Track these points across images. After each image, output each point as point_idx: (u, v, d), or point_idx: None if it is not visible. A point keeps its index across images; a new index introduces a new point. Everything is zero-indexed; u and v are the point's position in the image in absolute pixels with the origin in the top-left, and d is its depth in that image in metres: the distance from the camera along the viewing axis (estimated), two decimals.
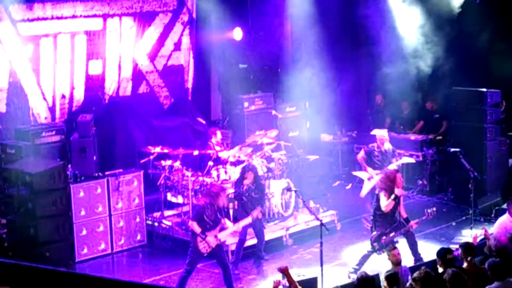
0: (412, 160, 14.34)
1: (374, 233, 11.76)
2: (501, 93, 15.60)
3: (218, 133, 14.76)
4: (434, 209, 12.30)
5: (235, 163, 14.12)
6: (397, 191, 11.66)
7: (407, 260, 11.11)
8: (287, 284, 9.15)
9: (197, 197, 13.39)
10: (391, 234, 11.60)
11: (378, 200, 11.80)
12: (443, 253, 9.31)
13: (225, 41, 17.47)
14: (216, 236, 11.09)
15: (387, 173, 12.08)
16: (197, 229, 11.02)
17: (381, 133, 14.08)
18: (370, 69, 17.74)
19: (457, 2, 16.16)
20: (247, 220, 12.09)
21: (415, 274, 8.66)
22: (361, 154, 14.02)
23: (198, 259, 11.25)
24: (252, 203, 12.57)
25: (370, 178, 13.69)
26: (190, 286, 11.46)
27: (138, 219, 13.78)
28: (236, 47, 17.50)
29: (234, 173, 13.82)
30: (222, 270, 11.41)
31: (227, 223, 11.46)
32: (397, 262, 9.95)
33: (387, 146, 13.96)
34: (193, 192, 13.77)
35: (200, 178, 13.87)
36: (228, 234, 11.57)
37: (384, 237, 11.56)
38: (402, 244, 11.53)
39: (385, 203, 11.59)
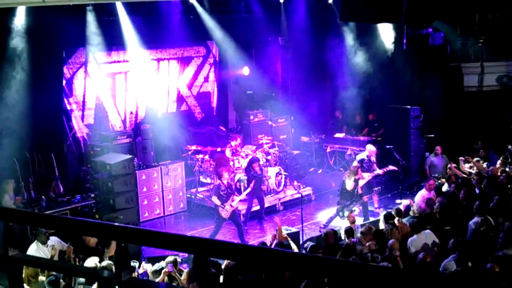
0: (395, 168, 13.17)
1: (340, 206, 11.70)
2: (420, 109, 15.57)
3: (239, 139, 14.69)
4: (377, 189, 12.34)
5: (244, 156, 14.11)
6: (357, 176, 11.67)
7: (359, 221, 11.08)
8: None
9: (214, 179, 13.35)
10: (351, 206, 11.54)
11: (344, 184, 11.72)
12: (387, 217, 9.32)
13: (238, 75, 17.44)
14: (231, 205, 11.08)
15: (351, 168, 11.99)
16: (218, 202, 11.02)
17: (372, 149, 13.27)
18: (332, 94, 17.70)
19: (389, 49, 16.10)
20: (245, 193, 11.99)
21: (362, 229, 8.67)
22: (355, 164, 12.69)
23: (222, 222, 11.23)
24: (258, 182, 12.55)
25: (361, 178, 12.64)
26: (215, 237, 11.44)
27: (181, 193, 13.76)
28: (245, 80, 17.47)
29: (244, 163, 13.80)
30: (236, 228, 11.40)
31: (236, 196, 11.45)
32: (352, 221, 9.93)
33: (373, 157, 13.56)
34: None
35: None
36: (239, 202, 11.53)
37: (346, 207, 11.51)
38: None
39: (350, 184, 11.58)
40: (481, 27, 15.66)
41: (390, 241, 7.72)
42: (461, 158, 12.64)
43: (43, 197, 11.72)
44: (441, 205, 9.26)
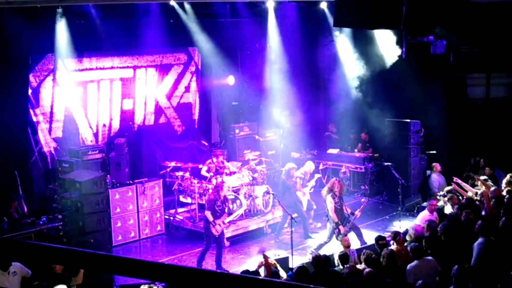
0: None
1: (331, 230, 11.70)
2: (421, 123, 15.67)
3: (221, 157, 14.70)
4: (364, 199, 12.36)
5: (229, 174, 14.11)
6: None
7: (355, 245, 11.07)
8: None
9: (207, 194, 13.28)
10: (344, 227, 11.53)
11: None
12: (377, 239, 9.34)
13: (222, 85, 17.47)
14: (223, 222, 11.16)
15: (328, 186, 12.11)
16: (210, 217, 11.11)
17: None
18: (325, 106, 17.82)
19: (387, 58, 16.18)
20: (236, 213, 12.13)
21: (362, 257, 8.64)
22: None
23: (212, 240, 11.24)
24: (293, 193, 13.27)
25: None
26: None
27: (158, 214, 13.69)
28: (230, 90, 17.50)
29: (229, 181, 13.80)
30: (216, 249, 11.42)
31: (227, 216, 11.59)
32: (347, 246, 9.91)
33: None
34: (198, 194, 13.71)
35: (204, 185, 13.82)
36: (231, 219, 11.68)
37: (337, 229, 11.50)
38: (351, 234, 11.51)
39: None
40: (486, 35, 15.84)
41: (366, 270, 7.73)
42: (455, 179, 12.56)
43: (4, 218, 11.59)
44: (444, 228, 9.28)
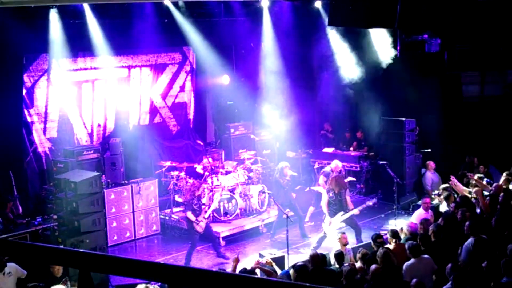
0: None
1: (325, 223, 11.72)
2: (415, 121, 15.69)
3: (217, 161, 14.78)
4: (374, 201, 12.20)
5: (224, 173, 14.11)
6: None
7: (351, 243, 11.07)
8: (264, 262, 9.12)
9: (183, 195, 13.20)
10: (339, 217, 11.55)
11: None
12: (374, 238, 9.34)
13: (217, 84, 17.46)
14: (204, 217, 11.39)
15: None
16: (192, 217, 11.42)
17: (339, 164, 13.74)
18: (321, 105, 17.81)
19: (382, 57, 16.17)
20: (211, 208, 12.25)
21: (358, 255, 8.66)
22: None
23: (198, 237, 11.54)
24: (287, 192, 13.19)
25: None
26: (192, 263, 11.38)
27: (154, 214, 13.67)
28: (225, 89, 17.49)
29: (224, 180, 13.79)
30: (211, 242, 11.86)
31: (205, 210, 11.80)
32: (344, 244, 9.91)
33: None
34: None
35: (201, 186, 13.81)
36: (210, 212, 11.92)
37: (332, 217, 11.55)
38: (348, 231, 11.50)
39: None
40: (481, 33, 15.87)
41: (373, 267, 7.72)
42: (452, 177, 12.58)
43: None
44: (437, 227, 9.28)
